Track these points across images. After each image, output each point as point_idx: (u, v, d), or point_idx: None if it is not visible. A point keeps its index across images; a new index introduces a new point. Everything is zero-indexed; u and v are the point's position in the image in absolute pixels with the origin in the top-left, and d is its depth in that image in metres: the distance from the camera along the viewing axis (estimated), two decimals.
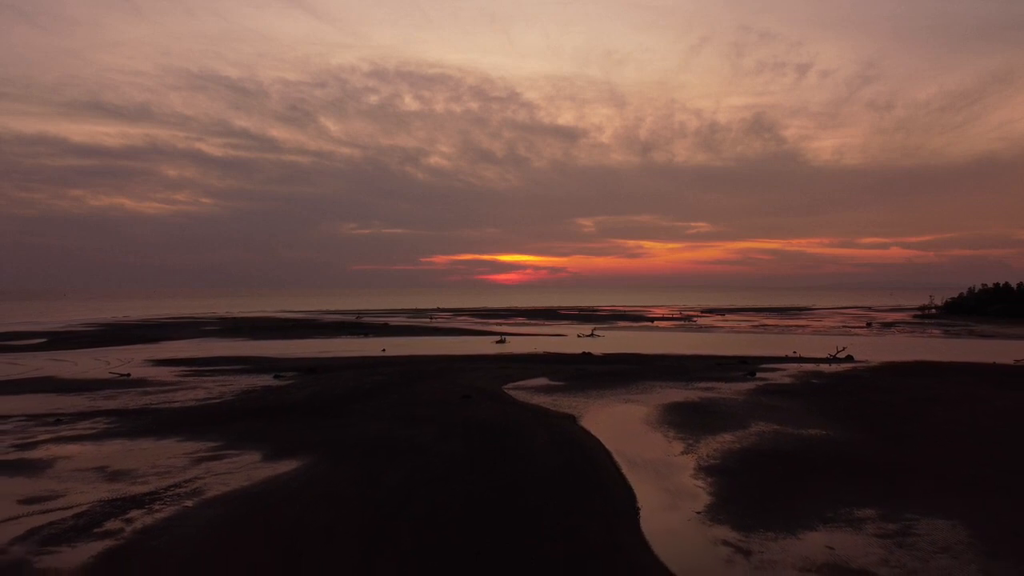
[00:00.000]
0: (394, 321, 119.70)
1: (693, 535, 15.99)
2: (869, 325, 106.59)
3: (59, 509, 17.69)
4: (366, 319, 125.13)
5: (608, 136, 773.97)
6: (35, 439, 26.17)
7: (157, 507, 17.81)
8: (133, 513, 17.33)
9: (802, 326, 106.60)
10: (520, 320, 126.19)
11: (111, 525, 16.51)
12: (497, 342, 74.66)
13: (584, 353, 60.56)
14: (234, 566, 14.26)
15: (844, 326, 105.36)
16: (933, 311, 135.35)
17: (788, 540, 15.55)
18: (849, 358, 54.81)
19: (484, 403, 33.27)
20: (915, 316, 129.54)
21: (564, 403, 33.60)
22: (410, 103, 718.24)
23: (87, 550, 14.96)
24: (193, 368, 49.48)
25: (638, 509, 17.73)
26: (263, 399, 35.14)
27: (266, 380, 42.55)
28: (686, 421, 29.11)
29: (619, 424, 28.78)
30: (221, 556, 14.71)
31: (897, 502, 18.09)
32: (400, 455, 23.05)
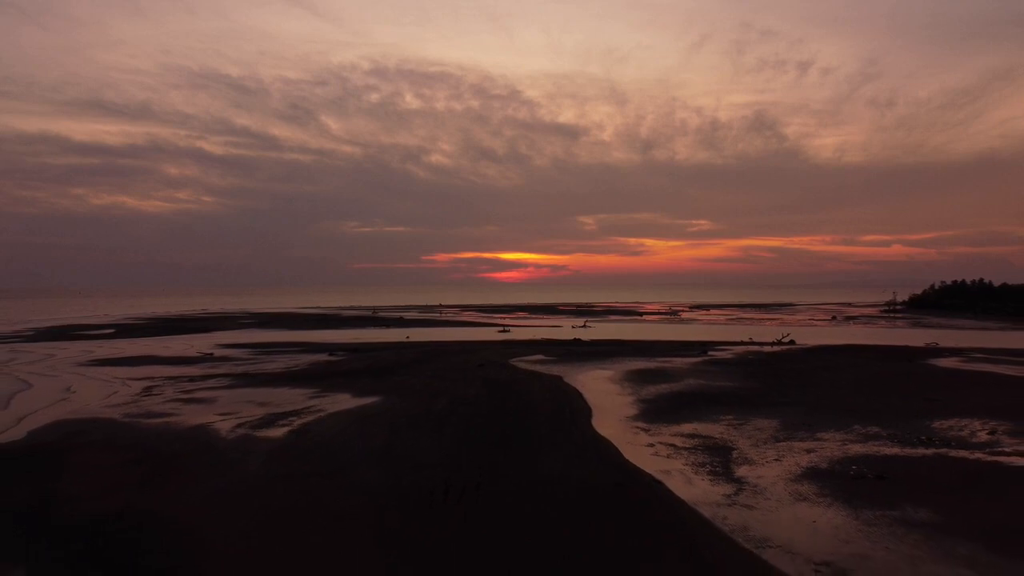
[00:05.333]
0: (408, 316, 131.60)
1: (619, 424, 27.90)
2: (834, 318, 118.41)
3: (246, 417, 29.61)
4: (382, 314, 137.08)
5: (609, 134, 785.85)
6: (188, 390, 38.05)
7: (303, 416, 29.72)
8: (291, 418, 29.24)
9: (773, 319, 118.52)
10: (522, 315, 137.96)
11: (282, 422, 28.41)
12: (501, 332, 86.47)
13: (575, 339, 72.39)
14: (363, 436, 26.04)
15: (810, 319, 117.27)
16: (899, 307, 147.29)
17: (672, 426, 27.46)
18: (791, 342, 66.64)
19: (495, 369, 45.16)
20: (881, 311, 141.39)
21: (554, 369, 45.47)
22: (411, 101, 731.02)
23: (278, 431, 26.83)
24: (258, 350, 61.39)
25: (591, 416, 29.62)
26: (330, 367, 47.07)
27: (324, 357, 54.47)
28: (639, 379, 41.00)
29: (592, 380, 40.62)
30: (352, 432, 26.50)
31: (749, 414, 29.94)
32: (441, 394, 34.89)
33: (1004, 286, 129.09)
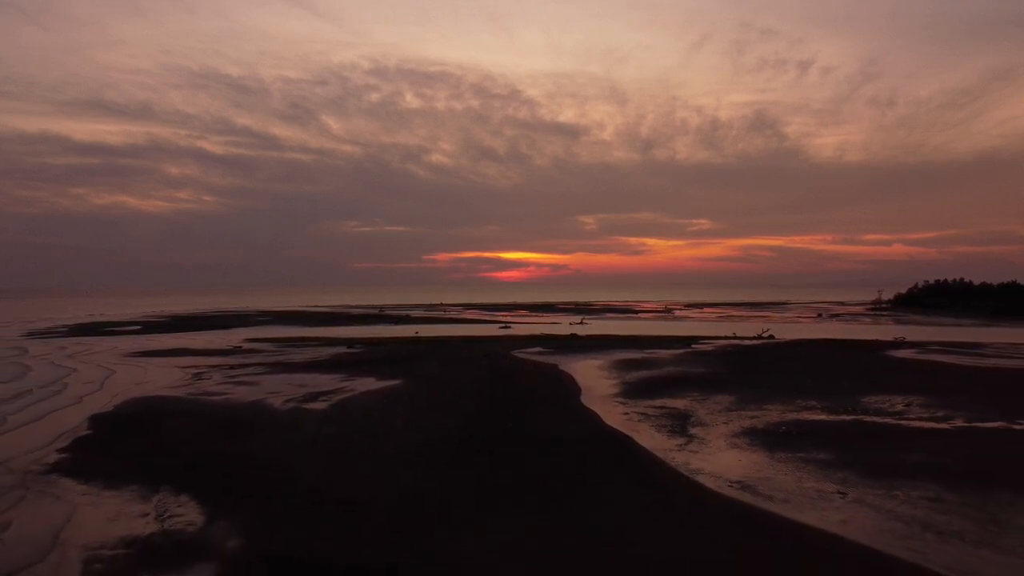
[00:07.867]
0: (413, 314, 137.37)
1: (603, 400, 33.61)
2: (819, 316, 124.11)
3: (291, 395, 35.30)
4: (388, 312, 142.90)
5: (609, 133, 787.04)
6: (232, 375, 43.73)
7: (339, 393, 35.44)
8: (329, 395, 34.95)
9: (762, 316, 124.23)
10: (522, 313, 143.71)
11: (323, 399, 34.09)
12: (502, 328, 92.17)
13: (572, 335, 78.10)
14: (394, 408, 31.68)
15: (797, 317, 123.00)
16: (884, 305, 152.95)
17: (646, 400, 33.17)
18: (771, 337, 72.32)
19: (498, 359, 50.86)
20: (868, 309, 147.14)
21: (551, 359, 51.17)
22: (411, 101, 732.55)
23: (322, 404, 32.51)
24: (282, 343, 67.11)
25: (581, 394, 35.32)
26: (351, 358, 52.79)
27: (343, 349, 60.18)
28: (625, 367, 46.70)
29: (583, 368, 46.31)
30: (385, 405, 32.16)
31: (713, 392, 35.62)
32: (453, 380, 40.58)
33: (983, 285, 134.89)
